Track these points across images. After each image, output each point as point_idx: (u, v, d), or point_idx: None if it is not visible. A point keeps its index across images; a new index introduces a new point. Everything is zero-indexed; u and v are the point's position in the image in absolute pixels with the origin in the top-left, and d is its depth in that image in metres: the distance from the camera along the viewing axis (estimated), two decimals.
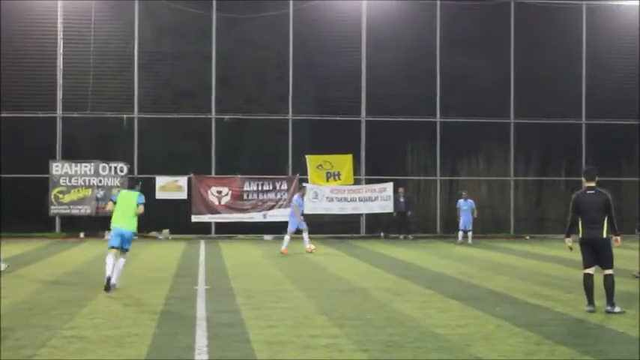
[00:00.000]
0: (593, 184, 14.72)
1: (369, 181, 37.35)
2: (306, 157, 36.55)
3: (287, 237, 28.00)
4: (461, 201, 34.61)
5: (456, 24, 37.41)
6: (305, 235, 28.21)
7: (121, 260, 17.66)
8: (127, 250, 17.88)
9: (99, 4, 36.08)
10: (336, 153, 36.70)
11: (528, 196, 38.84)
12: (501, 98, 38.31)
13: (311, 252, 27.61)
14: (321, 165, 36.57)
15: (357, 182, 36.97)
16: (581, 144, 38.51)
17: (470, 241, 33.79)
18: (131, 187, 19.18)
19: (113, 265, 17.05)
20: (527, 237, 37.06)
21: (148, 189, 35.23)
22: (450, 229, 37.69)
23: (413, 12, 37.72)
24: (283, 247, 27.65)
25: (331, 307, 14.81)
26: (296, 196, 29.33)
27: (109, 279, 16.85)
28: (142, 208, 18.02)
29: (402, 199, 36.62)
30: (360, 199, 36.18)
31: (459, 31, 37.36)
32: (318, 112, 37.39)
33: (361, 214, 37.11)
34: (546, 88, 38.00)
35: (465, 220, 34.19)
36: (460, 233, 34.22)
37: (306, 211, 35.56)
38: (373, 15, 37.53)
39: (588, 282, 14.43)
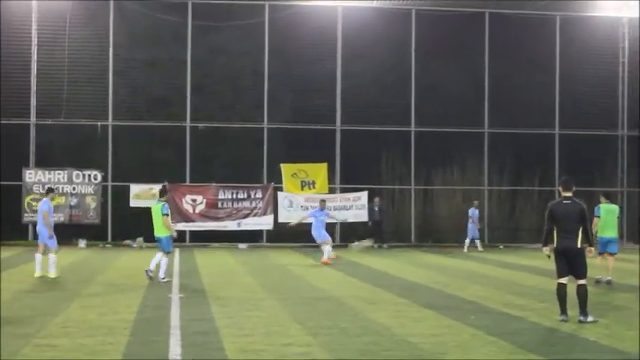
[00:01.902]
0: (569, 194, 14.77)
1: (343, 190, 37.38)
2: (281, 165, 36.51)
3: (327, 247, 27.72)
4: (472, 209, 35.22)
5: (431, 33, 37.56)
6: (326, 247, 27.74)
7: (162, 259, 21.00)
8: (166, 252, 21.16)
9: (74, 11, 35.90)
10: (311, 162, 36.70)
11: (502, 206, 39.00)
12: (475, 108, 38.49)
13: (326, 263, 27.03)
14: (295, 173, 36.55)
15: (331, 191, 36.98)
16: (554, 154, 38.75)
17: (480, 248, 35.11)
18: (160, 196, 21.86)
19: (155, 261, 21.07)
20: (501, 246, 37.22)
21: (122, 197, 35.31)
22: (424, 238, 37.91)
23: (388, 21, 37.81)
24: (330, 256, 27.59)
25: (305, 315, 14.82)
26: (315, 211, 29.16)
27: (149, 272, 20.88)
28: (165, 219, 21.15)
29: (376, 209, 36.71)
30: (335, 208, 36.09)
31: (434, 40, 37.56)
32: (294, 120, 37.36)
33: (336, 223, 37.08)
34: (520, 98, 38.25)
35: (473, 228, 34.93)
36: (468, 241, 35.01)
37: (280, 220, 35.71)
38: (349, 24, 37.60)
39: (561, 291, 14.52)
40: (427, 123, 37.91)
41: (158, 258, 21.14)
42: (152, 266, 20.99)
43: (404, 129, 38.04)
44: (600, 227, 21.37)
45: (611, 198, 23.37)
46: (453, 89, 37.96)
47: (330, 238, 28.28)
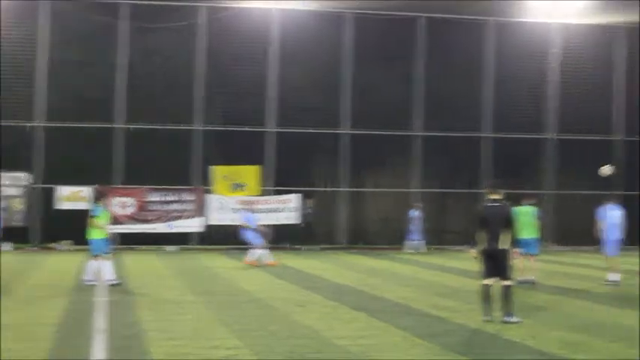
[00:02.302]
0: (497, 197, 14.97)
1: (276, 192, 37.27)
2: (212, 167, 36.28)
3: (260, 251, 27.74)
4: (411, 211, 36.05)
5: (366, 36, 37.74)
6: (262, 251, 27.82)
7: (90, 262, 20.95)
8: (93, 255, 20.86)
9: (5, 10, 35.21)
10: (244, 164, 36.55)
11: (432, 208, 39.17)
12: (409, 111, 38.72)
13: (252, 264, 27.20)
14: (226, 176, 36.34)
15: (264, 193, 36.86)
16: (486, 157, 39.10)
17: (408, 249, 35.85)
18: (96, 200, 22.44)
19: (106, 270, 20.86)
20: (430, 248, 37.43)
21: (50, 199, 34.75)
22: (355, 240, 37.99)
23: (324, 24, 37.87)
24: (269, 261, 27.53)
25: (233, 318, 14.77)
26: (244, 213, 29.08)
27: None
28: (90, 221, 21.36)
29: (309, 211, 36.79)
30: (266, 210, 35.89)
31: (369, 44, 37.74)
32: (226, 122, 37.15)
33: (267, 225, 36.92)
34: (453, 101, 38.56)
35: (416, 229, 35.75)
36: (416, 243, 35.93)
37: (211, 222, 35.60)
38: (284, 26, 37.55)
39: (486, 292, 14.70)
40: (361, 125, 38.00)
41: (105, 265, 20.88)
42: (108, 276, 20.67)
43: (337, 131, 38.11)
44: (519, 229, 21.67)
45: (534, 200, 23.78)
46: (387, 92, 38.11)
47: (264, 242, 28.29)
